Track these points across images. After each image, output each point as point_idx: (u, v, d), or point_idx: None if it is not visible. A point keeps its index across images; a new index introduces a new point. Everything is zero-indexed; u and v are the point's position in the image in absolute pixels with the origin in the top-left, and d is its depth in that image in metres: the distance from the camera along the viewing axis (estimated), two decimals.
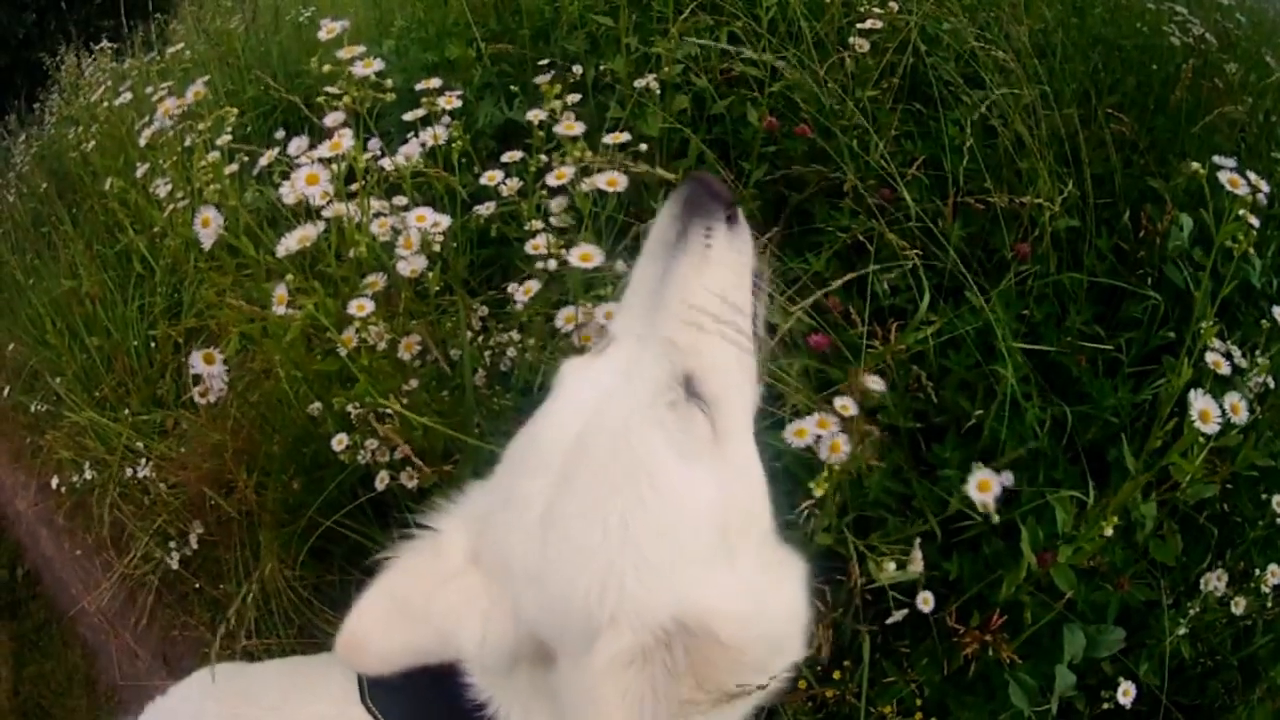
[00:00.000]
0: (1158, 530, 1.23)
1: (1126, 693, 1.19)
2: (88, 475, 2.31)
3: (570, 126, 1.39)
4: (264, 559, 1.76)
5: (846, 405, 1.03)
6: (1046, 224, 1.47)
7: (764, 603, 0.67)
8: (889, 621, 1.13)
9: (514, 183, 1.49)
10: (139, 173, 1.99)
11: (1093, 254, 1.51)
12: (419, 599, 0.68)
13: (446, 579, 0.68)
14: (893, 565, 1.06)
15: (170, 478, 2.15)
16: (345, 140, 1.27)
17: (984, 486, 1.05)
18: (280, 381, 1.61)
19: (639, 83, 1.64)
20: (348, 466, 1.45)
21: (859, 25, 1.72)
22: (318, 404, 1.52)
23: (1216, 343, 1.18)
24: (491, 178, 1.47)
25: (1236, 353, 1.24)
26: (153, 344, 2.60)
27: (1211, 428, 1.04)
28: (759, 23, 1.76)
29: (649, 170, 1.26)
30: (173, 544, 2.08)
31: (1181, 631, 1.23)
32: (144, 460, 2.21)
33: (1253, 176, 1.15)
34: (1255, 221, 1.14)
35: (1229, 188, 1.14)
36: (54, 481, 2.48)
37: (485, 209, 1.53)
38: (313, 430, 1.60)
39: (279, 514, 1.76)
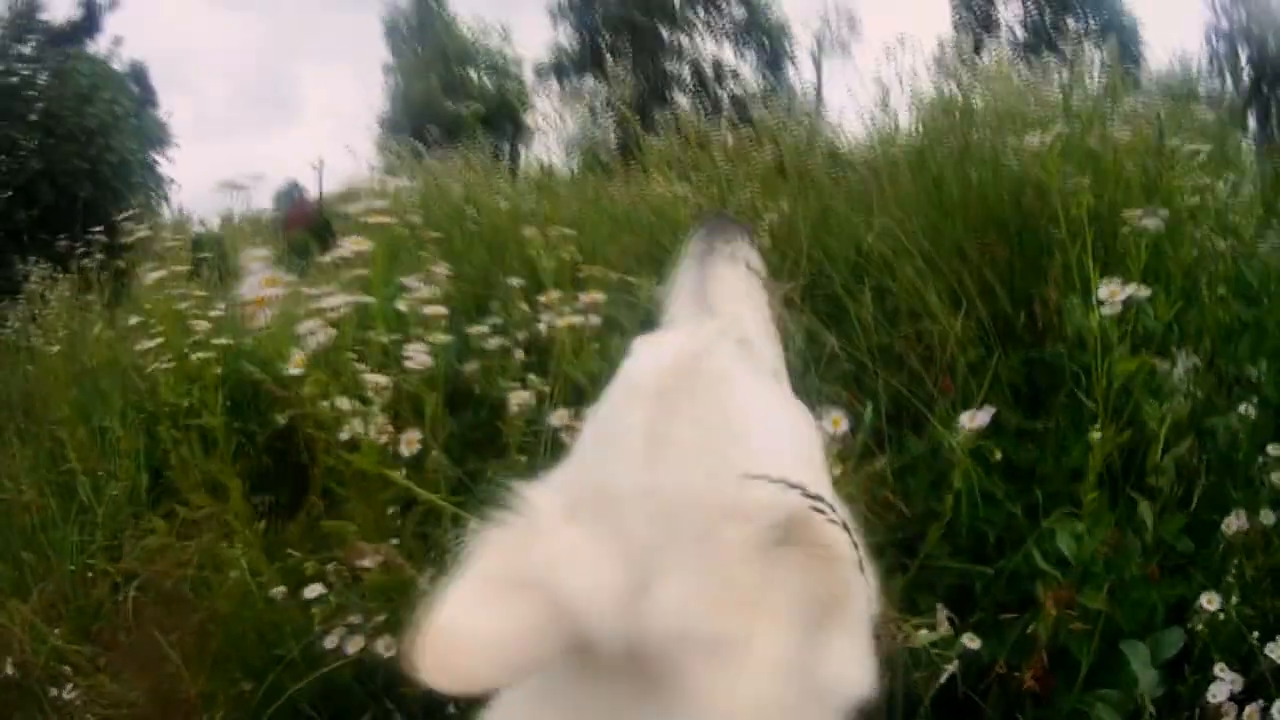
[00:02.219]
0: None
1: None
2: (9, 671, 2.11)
3: None
4: None
5: None
6: (960, 362, 1.69)
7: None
8: (943, 679, 1.17)
9: None
10: None
11: (1004, 365, 1.72)
12: (519, 568, 0.57)
13: (546, 540, 0.59)
14: (925, 630, 1.13)
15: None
16: None
17: None
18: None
19: None
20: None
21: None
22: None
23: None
24: None
25: None
26: (89, 574, 2.49)
27: None
28: None
29: None
30: None
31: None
32: (70, 685, 2.05)
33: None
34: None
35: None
36: None
37: None
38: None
39: None
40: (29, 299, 3.89)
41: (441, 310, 1.32)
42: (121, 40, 12.20)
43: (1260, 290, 1.77)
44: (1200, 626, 1.29)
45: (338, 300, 1.19)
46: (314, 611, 1.35)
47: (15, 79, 9.86)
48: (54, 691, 2.03)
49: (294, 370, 1.20)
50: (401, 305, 1.33)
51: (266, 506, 1.93)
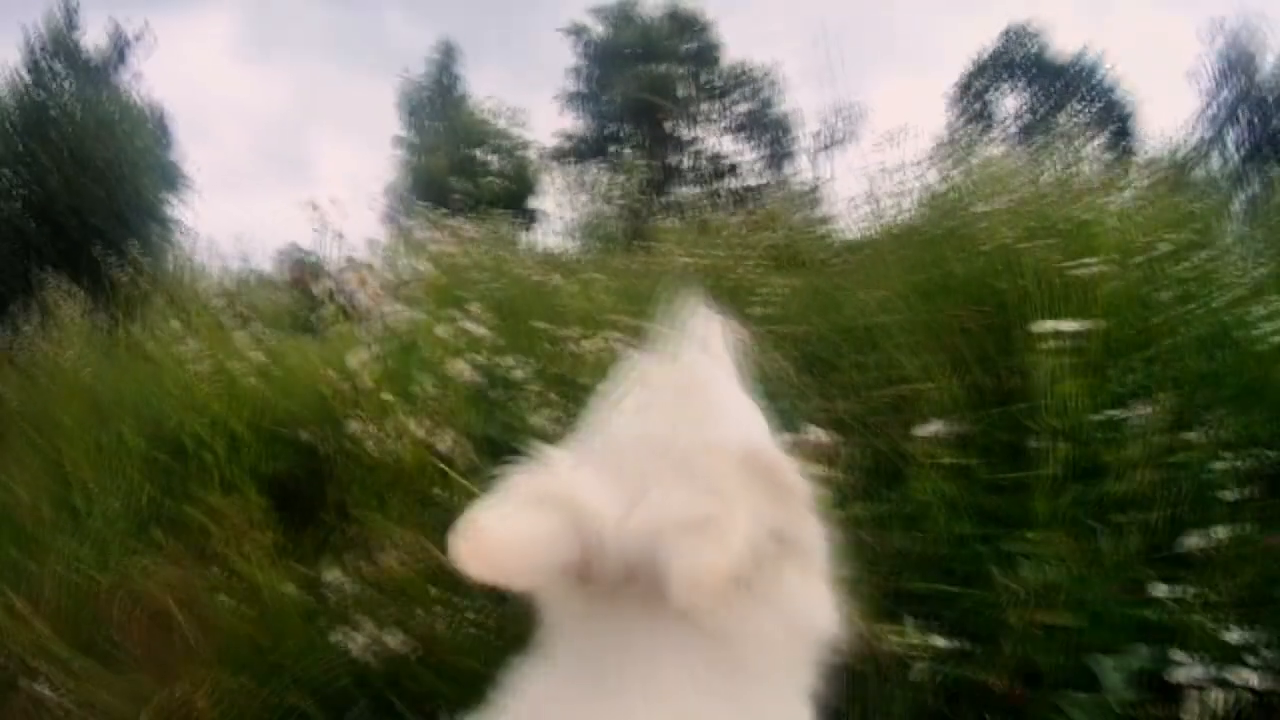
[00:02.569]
0: None
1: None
2: None
3: None
4: None
5: None
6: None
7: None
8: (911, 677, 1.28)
9: None
10: None
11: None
12: (544, 491, 0.71)
13: (564, 475, 0.73)
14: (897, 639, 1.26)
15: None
16: None
17: None
18: None
19: None
20: None
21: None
22: None
23: None
24: None
25: None
26: (75, 579, 2.52)
27: None
28: None
29: None
30: None
31: None
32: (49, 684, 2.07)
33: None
34: None
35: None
36: None
37: None
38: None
39: None
40: (44, 310, 3.99)
41: (485, 331, 1.48)
42: (143, 77, 12.58)
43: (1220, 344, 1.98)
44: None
45: (405, 314, 1.35)
46: (328, 601, 1.43)
47: (45, 95, 10.08)
48: (36, 688, 2.05)
49: (355, 364, 1.34)
50: (445, 332, 1.47)
51: (279, 518, 2.03)
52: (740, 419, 0.81)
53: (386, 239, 3.42)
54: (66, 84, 10.34)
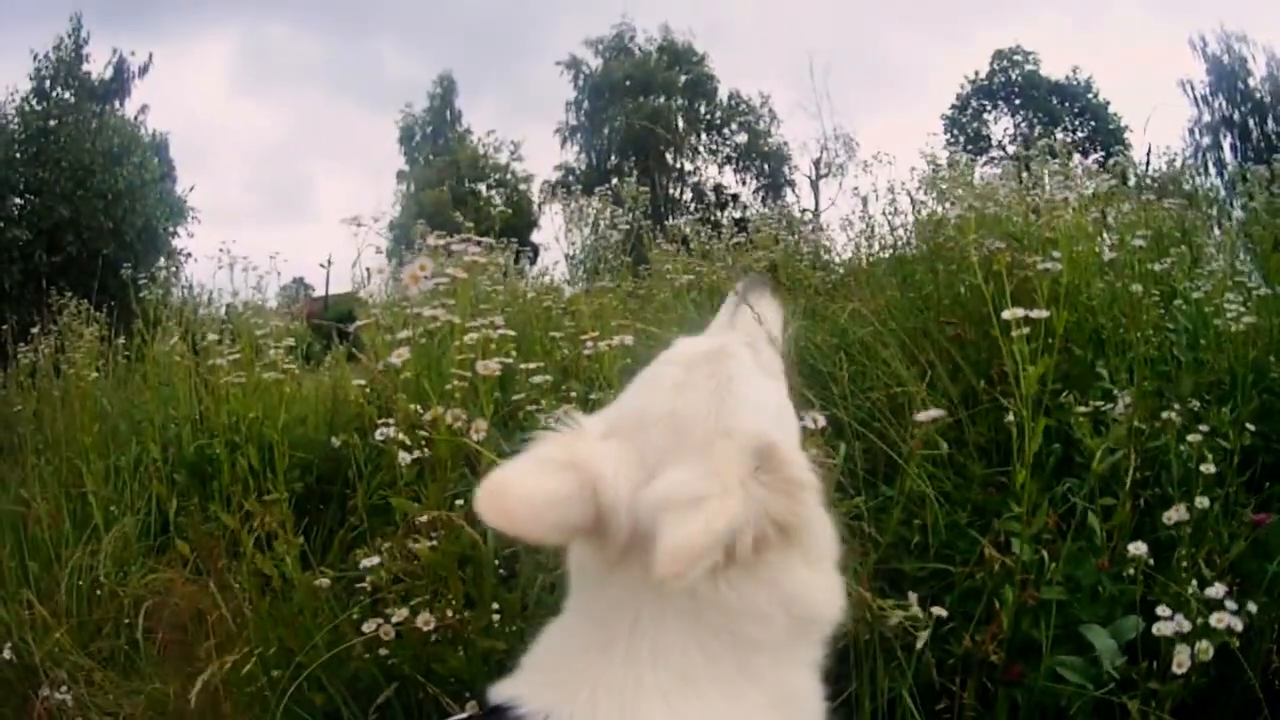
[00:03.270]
0: None
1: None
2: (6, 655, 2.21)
3: None
4: None
5: None
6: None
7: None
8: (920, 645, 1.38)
9: None
10: None
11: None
12: (565, 455, 0.78)
13: (588, 442, 0.81)
14: (900, 612, 1.34)
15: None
16: None
17: None
18: None
19: None
20: None
21: None
22: None
23: None
24: None
25: None
26: (98, 591, 2.60)
27: None
28: None
29: None
30: None
31: None
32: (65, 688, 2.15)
33: None
34: None
35: None
36: None
37: None
38: None
39: None
40: (62, 331, 4.07)
41: (509, 332, 1.59)
42: (147, 109, 12.74)
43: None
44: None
45: (439, 313, 1.47)
46: (361, 592, 1.52)
47: (53, 121, 10.20)
48: (46, 691, 2.12)
49: (397, 360, 1.46)
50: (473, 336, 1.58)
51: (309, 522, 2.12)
52: (763, 409, 0.88)
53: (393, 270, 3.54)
54: (74, 114, 10.52)
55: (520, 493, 0.76)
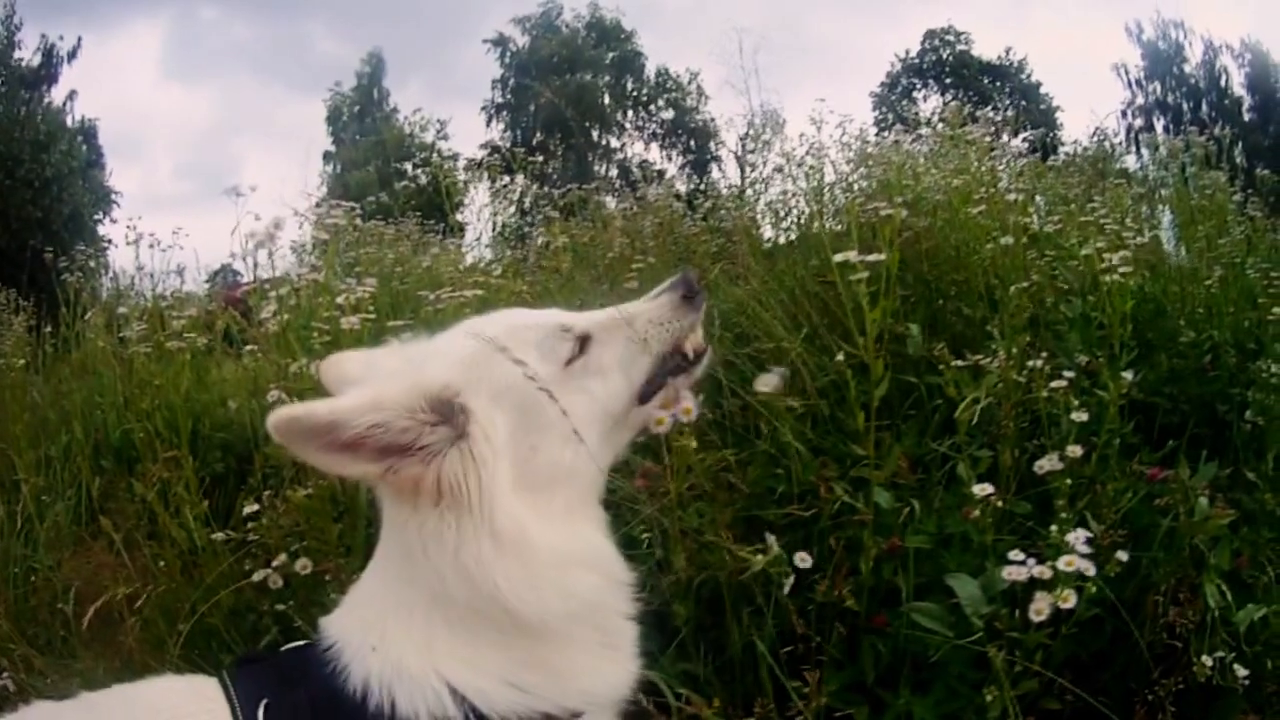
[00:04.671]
0: None
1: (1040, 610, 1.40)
2: None
3: None
4: None
5: None
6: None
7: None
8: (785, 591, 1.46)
9: None
10: None
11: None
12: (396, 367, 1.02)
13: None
14: (760, 556, 1.41)
15: None
16: None
17: None
18: None
19: None
20: None
21: None
22: None
23: None
24: None
25: None
26: (33, 579, 2.66)
27: None
28: None
29: None
30: None
31: None
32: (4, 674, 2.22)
33: None
34: None
35: None
36: None
37: None
38: None
39: None
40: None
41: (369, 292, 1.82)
42: (75, 95, 12.30)
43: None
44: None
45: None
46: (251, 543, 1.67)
47: None
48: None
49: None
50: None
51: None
52: (456, 365, 1.01)
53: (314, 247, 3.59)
54: (3, 103, 10.16)
55: (347, 366, 1.04)
